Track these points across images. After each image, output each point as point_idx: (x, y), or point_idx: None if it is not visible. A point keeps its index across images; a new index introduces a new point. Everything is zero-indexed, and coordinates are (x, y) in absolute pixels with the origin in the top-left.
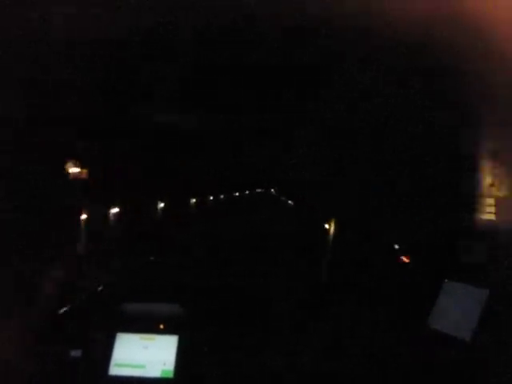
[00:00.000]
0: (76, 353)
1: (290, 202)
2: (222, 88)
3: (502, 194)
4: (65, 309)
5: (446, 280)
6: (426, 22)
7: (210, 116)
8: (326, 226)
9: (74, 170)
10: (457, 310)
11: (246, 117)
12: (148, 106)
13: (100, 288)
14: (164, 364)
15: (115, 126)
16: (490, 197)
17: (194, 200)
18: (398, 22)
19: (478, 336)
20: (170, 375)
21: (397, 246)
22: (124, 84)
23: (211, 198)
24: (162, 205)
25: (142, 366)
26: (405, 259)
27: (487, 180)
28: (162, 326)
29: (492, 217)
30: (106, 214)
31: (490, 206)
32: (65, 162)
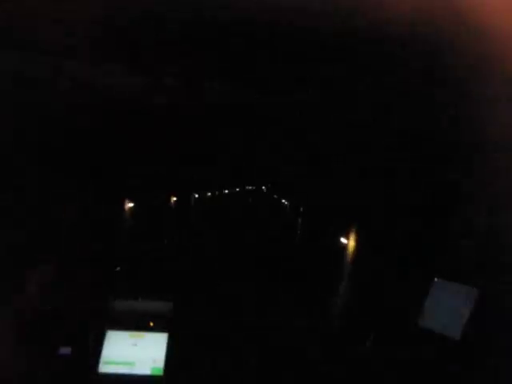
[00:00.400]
0: (65, 350)
1: (285, 202)
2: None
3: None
4: (54, 306)
5: (436, 279)
6: (426, 23)
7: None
8: (343, 239)
9: None
10: (446, 308)
11: (238, 100)
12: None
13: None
14: (154, 361)
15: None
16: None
17: (174, 198)
18: (399, 22)
19: (467, 334)
20: (160, 373)
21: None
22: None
23: (196, 196)
24: (130, 204)
25: (131, 364)
26: None
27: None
28: (151, 324)
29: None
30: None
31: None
32: None
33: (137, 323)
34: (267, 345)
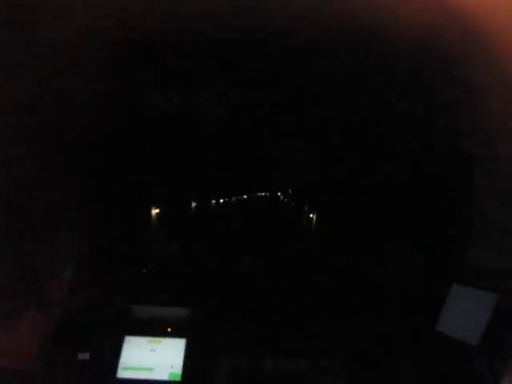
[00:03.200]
0: (84, 356)
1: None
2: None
3: None
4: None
5: (455, 284)
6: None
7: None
8: None
9: None
10: (465, 314)
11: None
12: None
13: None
14: (172, 367)
15: None
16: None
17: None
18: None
19: (486, 341)
20: (178, 378)
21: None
22: None
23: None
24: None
25: (149, 369)
26: None
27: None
28: (169, 329)
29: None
30: None
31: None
32: None
33: (155, 329)
34: (285, 348)
